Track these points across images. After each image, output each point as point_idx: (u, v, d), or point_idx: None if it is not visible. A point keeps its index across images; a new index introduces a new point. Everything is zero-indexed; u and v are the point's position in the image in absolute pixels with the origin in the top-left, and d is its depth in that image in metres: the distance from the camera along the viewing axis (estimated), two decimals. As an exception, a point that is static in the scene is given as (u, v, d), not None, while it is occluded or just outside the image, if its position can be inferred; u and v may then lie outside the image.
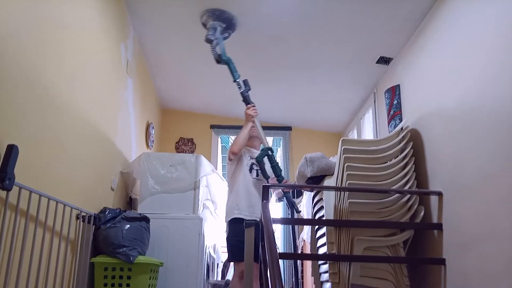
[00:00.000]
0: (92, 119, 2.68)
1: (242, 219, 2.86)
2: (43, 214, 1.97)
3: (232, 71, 3.19)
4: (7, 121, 1.67)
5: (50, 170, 2.07)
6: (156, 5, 3.21)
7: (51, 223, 2.06)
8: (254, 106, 3.15)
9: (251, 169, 3.06)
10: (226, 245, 3.04)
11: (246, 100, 3.14)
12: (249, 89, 3.16)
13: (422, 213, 2.45)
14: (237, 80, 3.16)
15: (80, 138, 2.47)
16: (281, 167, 3.11)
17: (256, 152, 3.16)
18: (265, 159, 3.06)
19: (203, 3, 3.10)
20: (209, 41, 3.20)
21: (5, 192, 1.60)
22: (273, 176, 3.10)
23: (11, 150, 1.55)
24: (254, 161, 3.10)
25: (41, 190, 1.91)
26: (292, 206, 3.07)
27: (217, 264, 3.95)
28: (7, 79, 1.67)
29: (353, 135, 4.71)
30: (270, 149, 3.07)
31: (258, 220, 2.92)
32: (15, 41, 1.72)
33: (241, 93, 3.14)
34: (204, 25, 3.27)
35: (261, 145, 3.22)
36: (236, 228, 2.92)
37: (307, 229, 3.84)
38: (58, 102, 2.14)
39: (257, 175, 3.05)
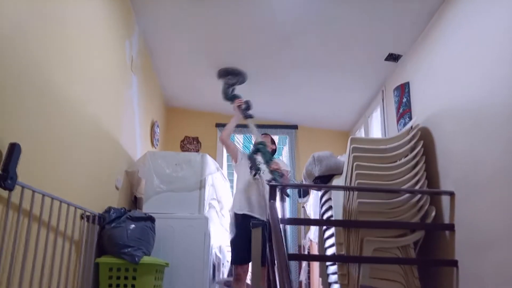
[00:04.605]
0: (97, 117, 2.64)
1: (240, 215, 3.02)
2: (46, 214, 1.93)
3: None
4: (9, 119, 1.63)
5: (53, 169, 2.03)
6: (162, 3, 3.17)
7: (54, 223, 2.02)
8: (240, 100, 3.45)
9: (250, 170, 3.20)
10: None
11: (245, 116, 3.42)
12: (250, 107, 3.41)
13: (434, 214, 2.40)
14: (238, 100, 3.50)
15: (84, 137, 2.43)
16: (270, 153, 3.24)
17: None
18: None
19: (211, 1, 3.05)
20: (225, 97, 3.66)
21: (7, 192, 1.56)
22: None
23: (13, 149, 1.51)
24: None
25: (45, 189, 1.87)
26: (281, 191, 3.12)
27: (223, 264, 3.90)
28: (10, 77, 1.63)
29: (361, 133, 4.65)
30: (261, 142, 3.23)
31: (258, 217, 2.96)
32: (18, 38, 1.68)
33: (243, 115, 3.40)
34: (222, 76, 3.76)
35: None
36: (234, 223, 3.07)
37: (313, 229, 3.79)
38: (61, 100, 2.10)
39: (255, 175, 3.15)
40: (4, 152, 1.53)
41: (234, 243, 3.04)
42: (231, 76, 3.72)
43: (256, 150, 3.23)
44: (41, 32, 1.86)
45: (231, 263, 3.13)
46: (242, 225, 2.97)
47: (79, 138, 2.36)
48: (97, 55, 2.63)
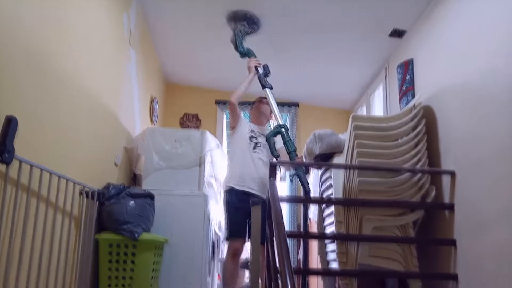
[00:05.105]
0: (95, 91, 2.60)
1: (233, 189, 2.94)
2: (45, 189, 1.91)
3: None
4: (6, 93, 1.60)
5: (51, 144, 2.01)
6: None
7: (53, 199, 2.01)
8: (257, 60, 3.20)
9: (250, 141, 3.05)
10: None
11: (262, 83, 3.13)
12: (268, 73, 3.16)
13: (434, 193, 2.39)
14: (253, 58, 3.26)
15: (82, 111, 2.40)
16: (293, 142, 2.99)
17: (260, 129, 3.17)
18: (278, 137, 2.99)
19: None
20: (232, 43, 3.36)
21: (4, 166, 1.54)
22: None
23: (10, 122, 1.48)
24: (254, 134, 3.10)
25: (43, 164, 1.85)
26: (303, 186, 2.91)
27: (222, 242, 3.93)
28: (6, 50, 1.59)
29: (362, 112, 4.61)
30: (284, 126, 2.99)
31: (255, 194, 2.89)
32: (14, 10, 1.62)
33: (258, 77, 3.14)
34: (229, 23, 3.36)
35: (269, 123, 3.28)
36: (226, 198, 2.99)
37: (313, 207, 3.80)
38: (59, 73, 2.06)
39: (255, 148, 3.02)
40: (0, 126, 1.50)
41: (230, 217, 2.96)
42: (245, 23, 3.29)
43: (276, 133, 2.96)
44: (37, 4, 1.80)
45: (226, 238, 3.04)
46: (239, 199, 2.92)
47: (78, 112, 2.33)
48: (95, 28, 2.57)
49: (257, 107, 3.35)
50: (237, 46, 3.28)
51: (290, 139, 2.97)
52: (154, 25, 3.81)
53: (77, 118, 2.32)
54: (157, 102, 4.35)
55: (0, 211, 1.54)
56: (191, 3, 3.37)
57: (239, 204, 2.91)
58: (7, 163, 1.51)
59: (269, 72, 3.15)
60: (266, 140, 2.97)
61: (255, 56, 3.25)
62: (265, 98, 3.22)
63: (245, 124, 3.18)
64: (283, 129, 2.96)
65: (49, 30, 1.94)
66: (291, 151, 2.93)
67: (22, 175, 1.69)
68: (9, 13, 1.61)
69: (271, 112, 3.22)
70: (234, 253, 2.92)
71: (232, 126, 3.19)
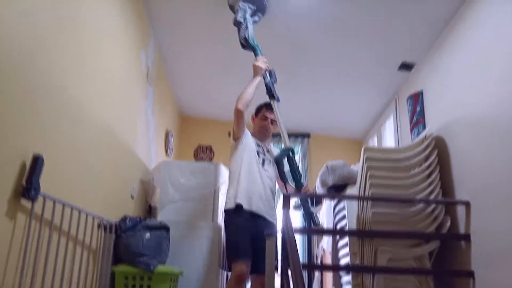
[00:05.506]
0: (113, 127, 2.69)
1: (239, 208, 2.49)
2: (66, 223, 1.97)
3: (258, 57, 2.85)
4: (31, 130, 1.68)
5: (72, 179, 2.08)
6: (177, 11, 3.21)
7: (74, 232, 2.06)
8: (266, 61, 2.78)
9: (258, 156, 2.67)
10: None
11: (270, 92, 2.75)
12: (275, 81, 2.80)
13: (449, 224, 2.38)
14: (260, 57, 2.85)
15: (101, 147, 2.48)
16: (301, 173, 2.72)
17: (264, 145, 2.80)
18: (285, 161, 2.69)
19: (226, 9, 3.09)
20: (238, 24, 2.86)
21: (30, 202, 1.61)
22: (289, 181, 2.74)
23: (37, 161, 1.56)
24: (260, 149, 2.72)
25: (64, 199, 1.92)
26: (310, 218, 2.68)
27: (222, 269, 3.90)
28: (30, 90, 1.68)
29: (374, 142, 4.64)
30: (292, 149, 2.68)
31: (264, 216, 2.52)
32: (37, 50, 1.73)
33: (266, 83, 2.77)
34: (232, 7, 2.95)
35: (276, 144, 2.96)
36: (231, 218, 2.56)
37: (327, 238, 3.78)
38: (79, 111, 2.15)
39: (263, 164, 2.65)
40: (28, 163, 1.58)
41: (234, 238, 2.52)
42: (249, 9, 2.90)
43: (284, 156, 2.63)
44: (59, 43, 1.90)
45: (230, 261, 2.49)
46: (245, 219, 2.52)
47: (97, 147, 2.41)
48: (114, 66, 2.69)
49: (263, 117, 2.84)
50: (246, 36, 2.84)
51: (297, 166, 2.68)
52: (170, 61, 3.96)
53: (96, 154, 2.40)
54: (172, 135, 4.45)
55: (25, 245, 1.60)
56: (207, 41, 3.51)
57: (246, 223, 2.51)
58: (33, 200, 1.58)
59: (276, 80, 2.79)
60: (276, 162, 2.67)
61: (263, 55, 2.81)
62: (271, 105, 2.81)
63: (250, 136, 2.77)
64: (290, 153, 2.66)
65: (70, 70, 2.05)
66: (299, 180, 2.65)
67: (46, 210, 1.75)
68: (35, 55, 1.72)
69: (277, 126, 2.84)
70: (239, 278, 2.39)
71: (237, 137, 2.73)
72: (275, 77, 2.78)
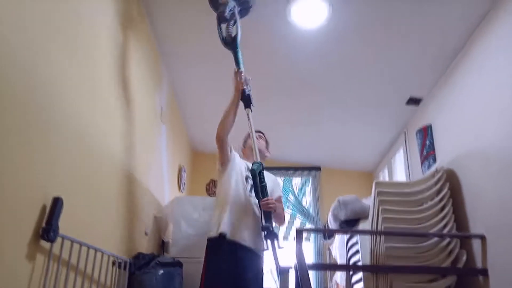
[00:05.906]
0: (127, 166, 2.75)
1: (221, 238, 2.27)
2: (82, 262, 2.00)
3: (239, 61, 2.62)
4: (51, 172, 1.75)
5: (87, 218, 2.12)
6: (189, 46, 3.30)
7: (90, 271, 2.09)
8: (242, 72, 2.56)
9: (246, 181, 2.48)
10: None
11: (249, 102, 2.59)
12: (250, 89, 2.64)
13: (465, 258, 2.36)
14: (241, 70, 2.62)
15: (115, 185, 2.54)
16: (265, 184, 2.40)
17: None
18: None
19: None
20: (223, 19, 2.55)
21: (48, 243, 1.65)
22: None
23: (57, 203, 1.61)
24: (249, 173, 2.47)
25: (80, 238, 1.95)
26: (272, 238, 2.32)
27: None
28: (48, 130, 1.76)
29: (384, 175, 4.64)
30: (262, 164, 2.45)
31: (246, 246, 2.29)
32: (54, 89, 1.83)
33: (246, 95, 2.59)
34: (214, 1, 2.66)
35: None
36: (213, 250, 2.33)
37: (340, 272, 3.73)
38: (95, 151, 2.22)
39: (251, 190, 2.44)
40: (48, 206, 1.63)
41: (215, 272, 2.29)
42: (237, 7, 2.62)
43: (258, 171, 2.37)
44: (74, 84, 1.98)
45: None
46: (227, 253, 2.28)
47: (111, 186, 2.47)
48: (129, 108, 2.79)
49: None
50: (231, 33, 2.56)
51: (265, 183, 2.39)
52: (183, 100, 4.08)
53: (111, 193, 2.46)
54: (185, 170, 4.51)
55: (43, 286, 1.63)
56: (217, 81, 3.62)
57: (228, 265, 2.26)
58: (52, 241, 1.62)
59: (250, 89, 2.61)
60: (252, 175, 2.39)
61: (241, 67, 2.58)
62: (261, 132, 2.74)
63: (239, 159, 2.59)
64: (261, 167, 2.41)
65: (87, 109, 2.14)
66: (261, 197, 2.36)
67: (63, 250, 1.79)
68: (50, 91, 1.81)
69: (267, 143, 2.71)
70: None
71: (222, 162, 2.54)
72: (250, 85, 2.63)
